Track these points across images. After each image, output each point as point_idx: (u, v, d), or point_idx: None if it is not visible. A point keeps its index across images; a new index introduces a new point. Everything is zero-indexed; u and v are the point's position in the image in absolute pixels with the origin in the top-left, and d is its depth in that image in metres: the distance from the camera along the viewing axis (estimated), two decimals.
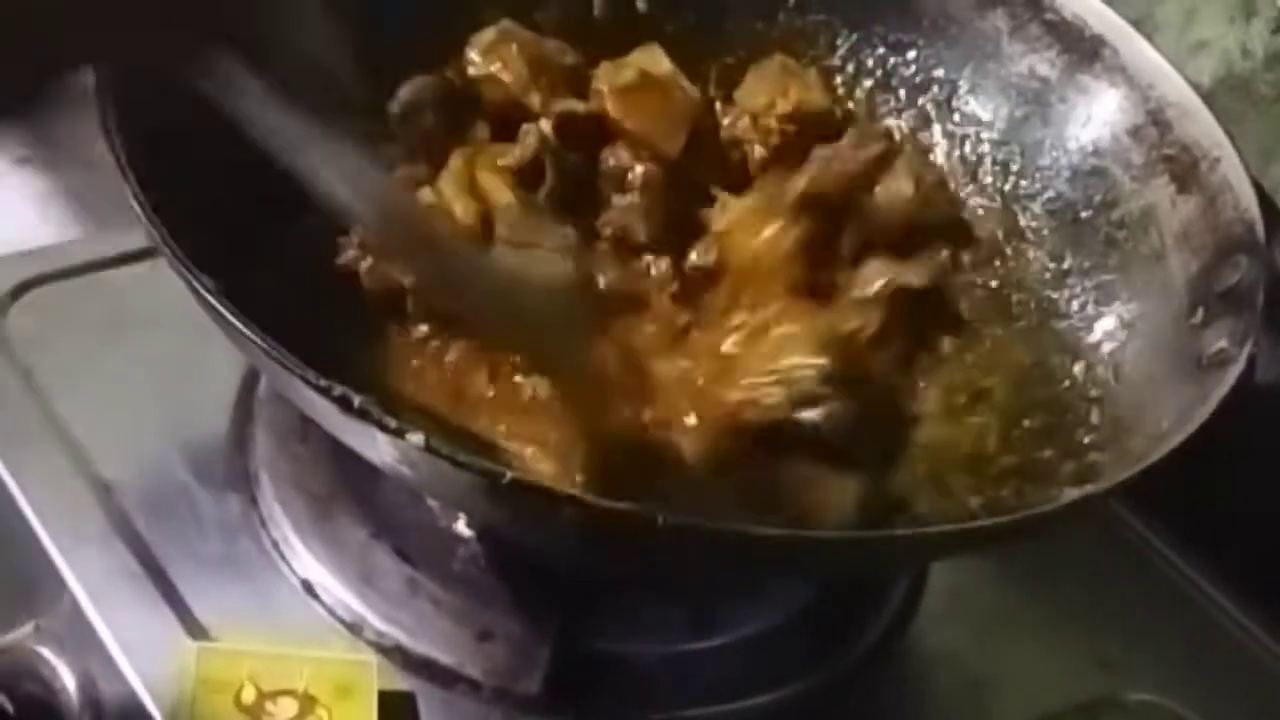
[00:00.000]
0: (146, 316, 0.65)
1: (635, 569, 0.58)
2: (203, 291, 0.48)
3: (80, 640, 0.56)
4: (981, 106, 0.71)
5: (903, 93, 0.72)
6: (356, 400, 0.45)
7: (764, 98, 0.69)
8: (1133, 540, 0.71)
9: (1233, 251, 0.59)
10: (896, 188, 0.66)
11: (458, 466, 0.45)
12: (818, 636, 0.62)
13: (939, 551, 0.57)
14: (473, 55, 0.67)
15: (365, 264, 0.61)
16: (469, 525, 0.60)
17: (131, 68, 0.54)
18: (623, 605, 0.60)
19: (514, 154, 0.64)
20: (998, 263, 0.68)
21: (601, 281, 0.64)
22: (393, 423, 0.45)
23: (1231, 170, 0.62)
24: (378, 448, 0.47)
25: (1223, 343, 0.56)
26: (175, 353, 0.64)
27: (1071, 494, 0.52)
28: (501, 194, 0.63)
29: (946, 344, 0.66)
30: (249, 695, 0.53)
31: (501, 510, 0.48)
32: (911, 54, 0.72)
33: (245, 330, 0.47)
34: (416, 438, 0.45)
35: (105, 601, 0.57)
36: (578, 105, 0.66)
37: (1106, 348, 0.62)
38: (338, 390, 0.45)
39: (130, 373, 0.64)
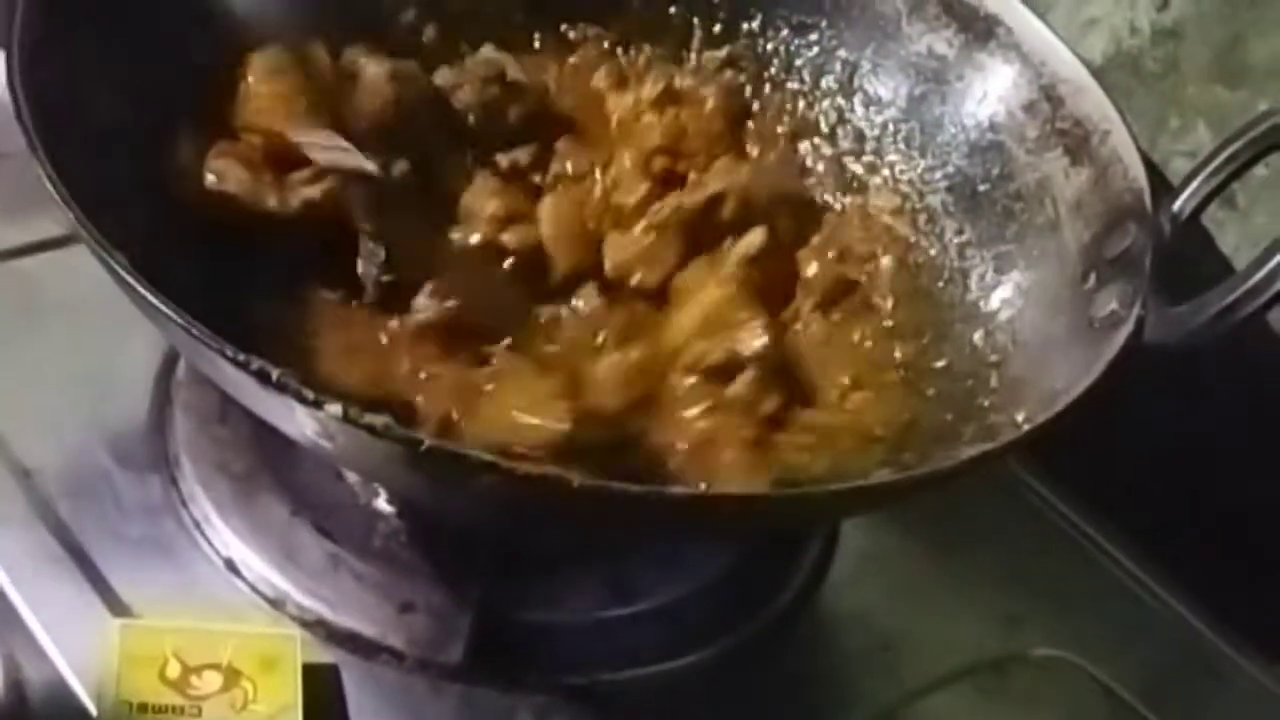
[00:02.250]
0: (62, 303, 0.65)
1: (554, 535, 0.60)
2: (118, 269, 0.48)
3: (4, 623, 0.57)
4: (883, 86, 0.73)
5: (806, 74, 0.74)
6: (275, 373, 0.46)
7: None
8: (1036, 503, 0.73)
9: (1123, 219, 0.62)
10: None
11: (375, 435, 0.46)
12: (733, 601, 0.64)
13: (844, 509, 0.59)
14: None
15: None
16: (389, 501, 0.62)
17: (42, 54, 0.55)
18: (543, 575, 0.61)
19: None
20: (901, 237, 0.70)
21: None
22: (310, 394, 0.46)
23: (1121, 143, 0.64)
24: (296, 420, 0.48)
25: (1113, 305, 0.58)
26: (93, 338, 0.64)
27: (968, 452, 0.54)
28: None
29: (850, 316, 0.68)
30: (173, 670, 0.54)
31: (420, 478, 0.50)
32: (814, 35, 0.74)
33: (161, 306, 0.48)
34: (334, 408, 0.46)
35: (28, 585, 0.57)
36: None
37: (1005, 315, 0.65)
38: (255, 363, 0.46)
39: (48, 359, 0.64)
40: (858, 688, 0.65)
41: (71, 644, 0.55)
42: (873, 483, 0.50)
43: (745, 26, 0.75)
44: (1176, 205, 0.61)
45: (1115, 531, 0.72)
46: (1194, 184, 0.61)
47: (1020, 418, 0.57)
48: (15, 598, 0.57)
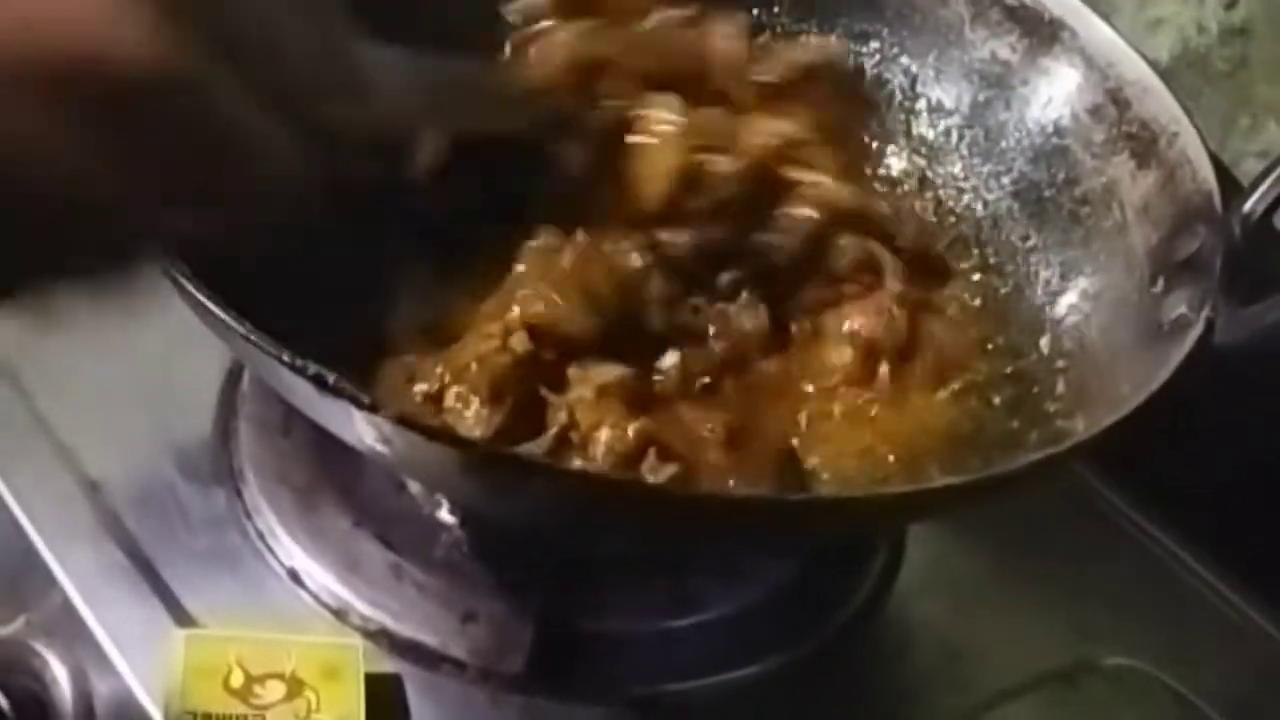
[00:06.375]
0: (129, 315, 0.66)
1: (614, 540, 0.59)
2: (179, 279, 0.49)
3: (71, 634, 0.58)
4: (945, 93, 0.72)
5: (867, 82, 0.73)
6: (331, 378, 0.46)
7: None
8: (1106, 510, 0.72)
9: (1192, 222, 0.60)
10: None
11: (432, 439, 0.46)
12: (798, 610, 0.63)
13: (909, 514, 0.58)
14: None
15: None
16: (451, 511, 0.62)
17: None
18: (605, 585, 0.61)
19: None
20: (968, 246, 0.69)
21: None
22: (367, 398, 0.46)
23: (1190, 144, 0.63)
24: (354, 426, 0.48)
25: (1183, 308, 0.57)
26: (159, 352, 0.65)
27: (1033, 456, 0.53)
28: None
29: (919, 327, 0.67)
30: (237, 679, 0.54)
31: (476, 482, 0.49)
32: (875, 44, 0.73)
33: (222, 315, 0.48)
34: (390, 412, 0.46)
35: (95, 596, 0.58)
36: None
37: (1071, 320, 0.64)
38: (313, 369, 0.46)
39: (115, 372, 0.65)
40: (926, 699, 0.64)
41: (137, 654, 0.56)
42: (937, 486, 0.50)
43: (803, 38, 0.74)
44: (1247, 206, 0.59)
45: (1188, 538, 0.71)
46: (1265, 184, 0.59)
47: (1087, 422, 0.56)
48: (82, 609, 0.58)
